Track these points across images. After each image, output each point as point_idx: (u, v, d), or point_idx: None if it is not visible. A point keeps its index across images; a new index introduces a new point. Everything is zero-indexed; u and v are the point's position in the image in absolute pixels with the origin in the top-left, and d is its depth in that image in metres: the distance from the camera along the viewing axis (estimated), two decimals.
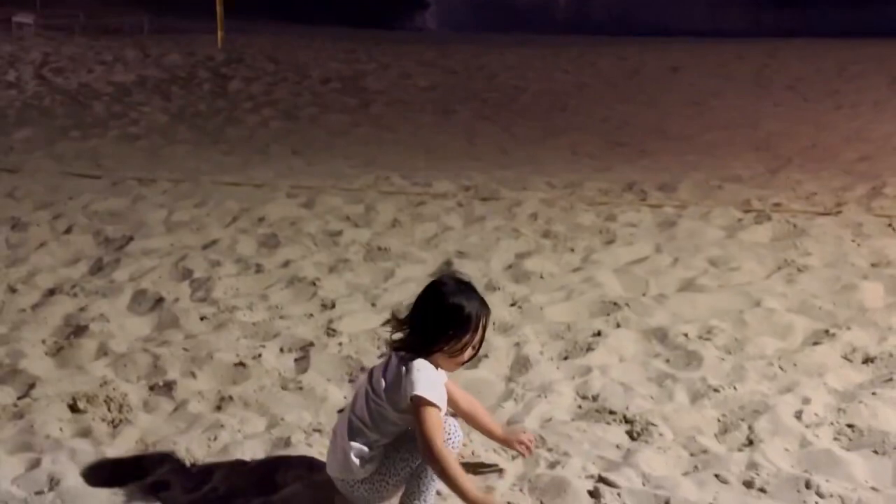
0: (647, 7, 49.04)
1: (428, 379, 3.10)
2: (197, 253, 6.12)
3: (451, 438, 3.25)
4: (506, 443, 3.60)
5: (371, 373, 3.31)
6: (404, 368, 3.12)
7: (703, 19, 40.38)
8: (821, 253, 6.12)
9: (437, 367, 3.19)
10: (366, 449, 3.17)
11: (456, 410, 3.49)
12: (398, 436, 3.20)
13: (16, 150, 9.53)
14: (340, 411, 4.07)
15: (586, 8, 50.03)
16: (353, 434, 3.20)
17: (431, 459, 3.05)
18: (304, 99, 12.96)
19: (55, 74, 14.71)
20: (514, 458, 3.66)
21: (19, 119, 11.25)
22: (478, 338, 3.22)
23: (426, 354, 3.16)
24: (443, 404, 3.12)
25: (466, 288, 3.24)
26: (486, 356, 4.44)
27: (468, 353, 3.23)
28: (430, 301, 3.21)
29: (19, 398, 4.21)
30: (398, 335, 3.25)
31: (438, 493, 3.27)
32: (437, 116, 11.86)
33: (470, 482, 3.11)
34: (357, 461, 3.17)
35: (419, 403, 3.05)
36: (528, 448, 3.59)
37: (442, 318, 3.16)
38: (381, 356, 4.59)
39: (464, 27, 38.81)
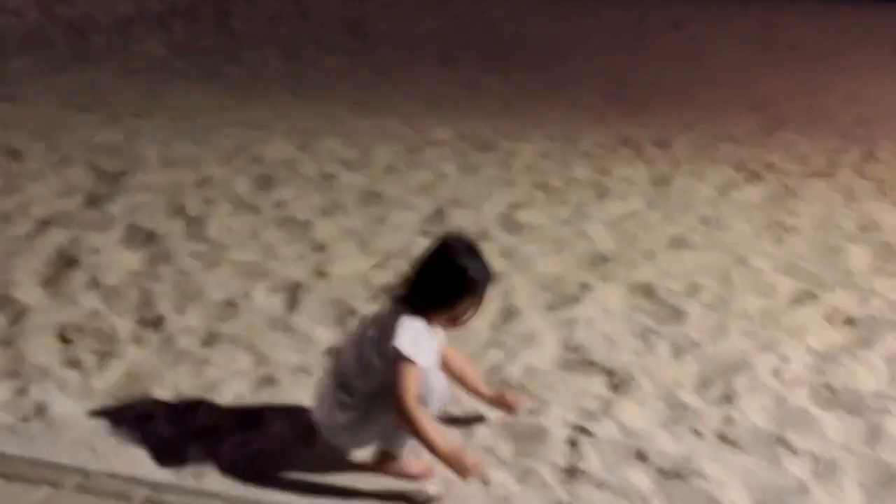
0: None
1: (414, 335, 3.09)
2: (191, 190, 6.11)
3: (432, 394, 3.21)
4: (494, 403, 3.60)
5: (363, 321, 3.32)
6: (398, 324, 3.10)
7: None
8: (810, 215, 6.13)
9: (433, 324, 3.18)
10: (348, 396, 3.19)
11: (445, 370, 3.42)
12: (381, 385, 3.19)
13: (13, 80, 9.44)
14: (327, 353, 4.11)
15: None
16: (339, 380, 3.22)
17: (400, 411, 3.03)
18: (305, 40, 12.82)
19: (56, 2, 14.53)
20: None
21: (18, 48, 11.13)
22: (478, 302, 3.22)
23: (425, 312, 3.15)
24: (425, 361, 3.11)
25: (474, 251, 3.23)
26: None
27: (467, 315, 3.23)
28: (436, 260, 3.19)
29: (10, 325, 4.24)
30: (399, 287, 3.24)
31: None
32: (437, 63, 11.74)
33: (440, 436, 3.11)
34: (339, 408, 3.20)
35: (397, 357, 3.05)
36: (514, 409, 3.60)
37: (446, 279, 3.15)
38: (370, 299, 4.62)
39: None
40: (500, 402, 3.61)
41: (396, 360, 3.05)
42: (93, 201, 5.88)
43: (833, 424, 3.67)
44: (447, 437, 3.25)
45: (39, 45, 11.46)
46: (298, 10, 15.27)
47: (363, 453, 3.31)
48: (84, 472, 3.22)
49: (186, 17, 14.11)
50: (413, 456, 3.24)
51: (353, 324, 4.34)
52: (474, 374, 3.65)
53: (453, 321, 3.23)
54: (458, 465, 3.08)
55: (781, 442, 3.52)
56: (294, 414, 3.60)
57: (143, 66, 10.54)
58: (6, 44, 11.36)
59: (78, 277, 4.74)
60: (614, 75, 11.31)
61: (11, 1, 14.47)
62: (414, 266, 3.26)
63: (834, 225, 5.96)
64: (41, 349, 4.02)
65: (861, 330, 4.50)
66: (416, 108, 9.00)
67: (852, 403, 3.82)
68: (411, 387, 3.05)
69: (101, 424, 3.51)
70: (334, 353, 3.36)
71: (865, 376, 4.05)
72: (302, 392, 3.75)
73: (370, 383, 3.18)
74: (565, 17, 16.39)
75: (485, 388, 3.63)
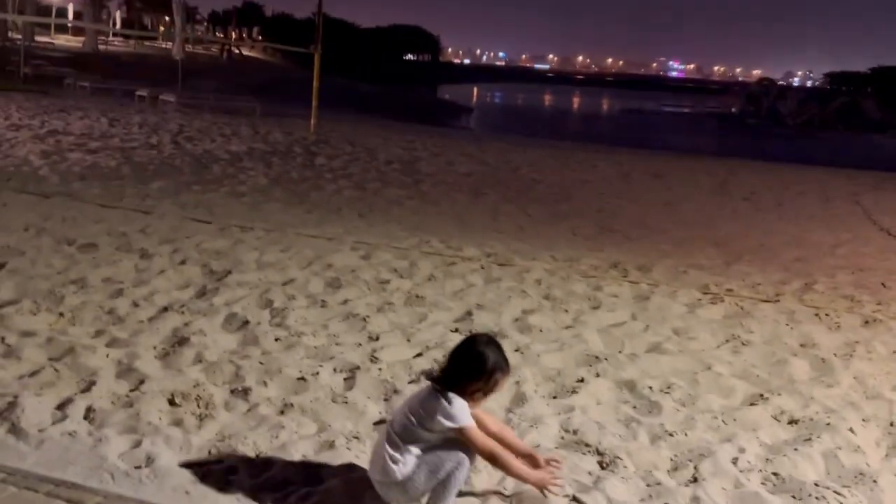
0: (639, 128, 49.35)
1: (456, 408, 3.10)
2: (278, 288, 6.11)
3: (461, 470, 3.16)
4: (531, 460, 3.38)
5: (409, 398, 3.30)
6: (442, 403, 3.11)
7: (681, 140, 40.59)
8: (761, 332, 6.01)
9: (462, 396, 3.16)
10: (399, 456, 3.13)
11: (486, 432, 3.29)
12: (427, 448, 3.15)
13: (151, 196, 9.64)
14: (376, 423, 4.03)
15: (593, 126, 50.46)
16: (392, 444, 3.16)
17: (493, 460, 3.14)
18: (371, 175, 13.04)
19: (186, 141, 14.94)
20: (503, 478, 3.58)
21: (156, 173, 11.40)
22: (490, 386, 3.18)
23: (455, 388, 3.14)
24: (472, 421, 3.15)
25: (494, 345, 3.22)
26: None
27: (479, 395, 3.19)
28: (463, 348, 3.23)
29: (131, 390, 4.20)
30: (435, 370, 3.28)
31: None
32: (470, 196, 11.87)
33: (524, 467, 3.23)
34: (392, 466, 3.13)
35: (463, 429, 3.10)
36: (553, 466, 3.42)
37: (467, 363, 3.15)
38: (411, 381, 4.56)
39: (497, 129, 39.22)
40: (532, 456, 3.39)
41: (464, 432, 3.10)
42: (203, 293, 5.90)
43: None
44: (529, 469, 3.29)
45: (172, 171, 11.72)
46: (368, 154, 15.58)
47: None
48: None
49: (283, 155, 14.43)
50: None
51: (398, 399, 4.30)
52: (511, 433, 3.55)
53: (472, 399, 3.18)
54: (537, 480, 3.24)
55: None
56: (348, 473, 3.52)
57: (248, 190, 10.73)
58: (148, 170, 11.64)
59: (186, 353, 4.72)
60: (607, 213, 11.35)
61: (154, 138, 14.93)
62: (448, 354, 3.28)
63: (780, 341, 5.82)
64: (154, 410, 3.97)
65: (802, 429, 4.34)
66: (452, 230, 9.05)
67: (796, 489, 3.66)
68: (482, 440, 3.13)
69: (196, 474, 3.44)
70: (388, 421, 3.30)
71: (806, 467, 3.89)
72: (353, 455, 3.67)
73: (415, 444, 3.14)
74: (570, 167, 16.60)
75: (523, 445, 3.48)
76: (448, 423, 3.06)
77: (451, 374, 3.16)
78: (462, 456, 3.14)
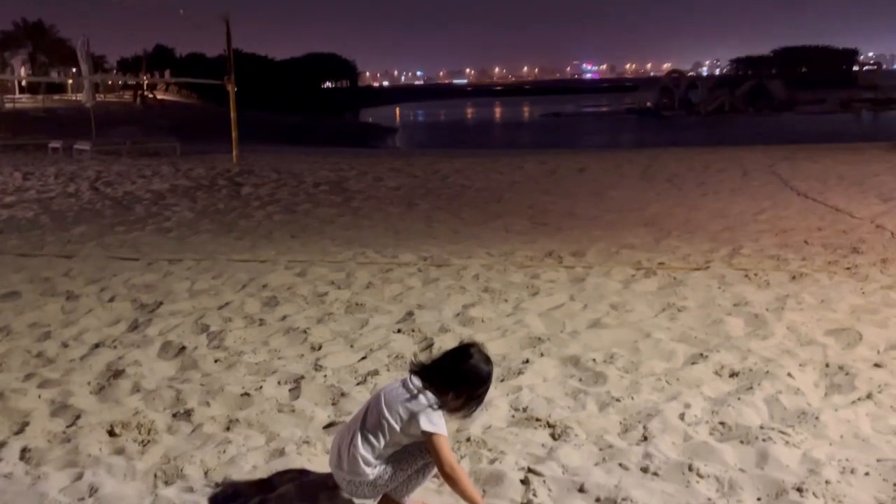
0: (562, 131, 50.30)
1: (437, 415, 3.01)
2: (213, 312, 5.99)
3: (430, 468, 3.12)
4: None
5: (382, 395, 3.11)
6: (420, 405, 3.00)
7: (602, 138, 41.52)
8: (695, 297, 6.15)
9: (443, 404, 3.06)
10: (371, 457, 3.05)
11: None
12: (401, 449, 3.08)
13: (73, 241, 9.34)
14: (326, 427, 3.97)
15: (516, 133, 51.21)
16: (365, 443, 3.05)
17: (450, 477, 2.98)
18: (300, 198, 12.93)
19: (105, 186, 14.57)
20: (461, 457, 3.59)
21: (76, 219, 11.07)
22: (478, 398, 3.11)
23: (437, 392, 3.04)
24: (445, 430, 3.04)
25: (486, 360, 3.14)
26: None
27: (466, 407, 3.10)
28: (456, 357, 3.11)
29: (68, 426, 4.05)
30: (420, 366, 3.14)
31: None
32: (402, 208, 11.87)
33: (475, 490, 3.07)
34: (365, 466, 3.05)
35: (433, 437, 2.98)
36: None
37: (462, 375, 3.06)
38: (358, 384, 4.51)
39: (423, 145, 39.43)
40: None
41: (433, 439, 2.98)
42: (135, 326, 5.74)
43: (730, 452, 3.60)
44: (478, 492, 3.14)
45: (93, 216, 11.41)
46: (294, 179, 15.44)
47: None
48: None
49: (208, 189, 14.20)
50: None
51: (347, 402, 4.25)
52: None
53: (456, 409, 3.10)
54: None
55: (691, 469, 3.42)
56: (300, 477, 3.46)
57: (174, 226, 10.50)
58: (67, 217, 11.31)
59: (123, 385, 4.57)
60: (537, 209, 11.49)
61: (72, 186, 14.51)
62: (437, 357, 3.18)
63: (713, 304, 5.97)
64: (94, 442, 3.83)
65: (743, 380, 4.46)
66: (387, 241, 9.03)
67: (742, 435, 3.75)
68: (448, 454, 2.99)
69: (144, 498, 3.33)
70: (357, 419, 3.15)
71: (751, 414, 3.99)
72: (305, 459, 3.60)
73: (390, 447, 3.06)
74: (498, 171, 16.76)
75: None
76: (426, 427, 2.98)
77: (438, 376, 3.06)
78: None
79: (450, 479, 2.99)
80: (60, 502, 3.30)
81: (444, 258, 7.80)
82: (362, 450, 3.05)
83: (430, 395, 3.03)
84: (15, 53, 71.64)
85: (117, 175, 16.22)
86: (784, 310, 5.74)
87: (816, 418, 3.91)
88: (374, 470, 3.06)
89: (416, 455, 3.06)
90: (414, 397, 3.03)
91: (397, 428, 3.03)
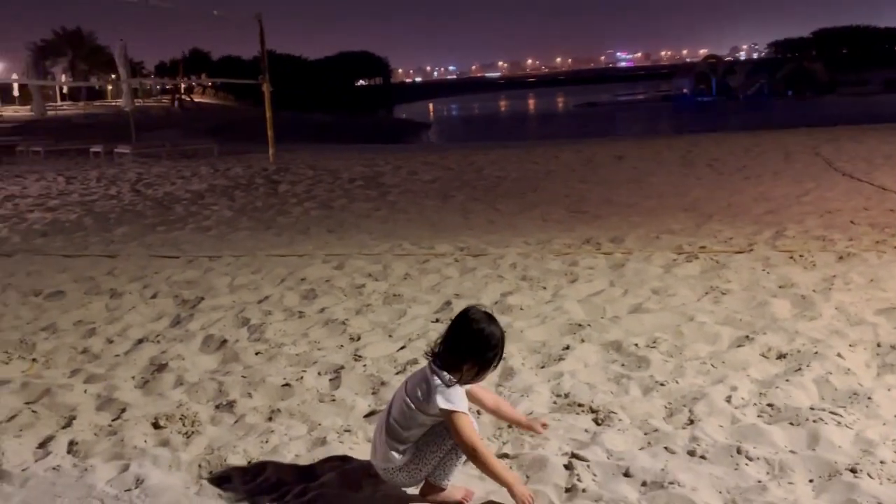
0: (598, 120, 49.85)
1: (454, 392, 2.98)
2: (253, 306, 6.04)
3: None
4: (529, 427, 3.53)
5: (406, 382, 3.16)
6: (434, 384, 2.98)
7: (639, 125, 41.06)
8: (738, 280, 6.03)
9: (460, 378, 3.03)
10: (399, 443, 3.06)
11: (483, 408, 3.42)
12: (427, 431, 3.07)
13: (115, 241, 9.51)
14: (367, 416, 3.98)
15: (551, 124, 50.89)
16: (391, 432, 3.08)
17: (473, 455, 2.95)
18: (336, 194, 12.99)
19: (146, 187, 14.80)
20: (504, 443, 3.55)
21: (118, 220, 11.26)
22: (496, 359, 3.07)
23: (453, 369, 3.02)
24: (466, 407, 3.00)
25: (490, 319, 3.09)
26: None
27: (486, 371, 3.08)
28: (460, 326, 3.06)
29: (113, 420, 4.11)
30: (433, 349, 3.11)
31: None
32: (438, 200, 11.85)
33: (504, 467, 3.04)
34: (394, 453, 3.06)
35: (451, 415, 2.95)
36: (545, 427, 3.57)
37: (468, 341, 3.01)
38: (398, 373, 4.50)
39: (458, 139, 39.38)
40: (536, 426, 3.54)
41: (451, 417, 2.95)
42: (177, 322, 5.80)
43: (779, 434, 3.50)
44: (510, 470, 3.13)
45: (135, 217, 11.59)
46: (330, 175, 15.53)
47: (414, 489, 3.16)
48: None
49: (246, 187, 14.35)
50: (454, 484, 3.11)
51: (387, 391, 4.24)
52: (508, 405, 3.58)
53: (475, 376, 3.07)
54: (519, 493, 2.99)
55: (740, 451, 3.34)
56: (342, 465, 3.45)
57: (214, 224, 10.62)
58: (110, 218, 11.50)
59: (166, 378, 4.63)
60: (574, 197, 11.39)
61: (113, 188, 14.77)
62: (443, 333, 3.12)
63: (758, 286, 5.85)
64: (139, 435, 3.87)
65: (791, 361, 4.35)
66: (423, 233, 9.02)
67: (792, 416, 3.66)
68: (468, 432, 2.96)
69: (189, 488, 3.35)
70: (386, 409, 3.18)
71: (800, 395, 3.89)
72: (346, 447, 3.60)
73: (414, 430, 3.06)
74: (533, 161, 16.67)
75: (521, 416, 3.58)
76: (443, 405, 2.97)
77: (449, 352, 3.03)
78: None
79: (471, 457, 2.96)
80: (108, 493, 3.33)
81: (480, 248, 7.76)
82: (390, 437, 3.07)
83: (445, 374, 3.01)
84: (55, 62, 73.18)
85: (157, 177, 16.47)
86: (832, 290, 5.59)
87: (869, 398, 3.79)
88: (403, 456, 3.07)
89: (444, 436, 3.04)
90: (430, 378, 3.03)
91: (417, 410, 3.03)
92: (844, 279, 5.86)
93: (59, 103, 55.67)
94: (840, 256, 6.57)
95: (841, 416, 3.62)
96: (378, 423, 3.22)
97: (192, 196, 13.40)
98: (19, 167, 20.08)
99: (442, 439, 3.05)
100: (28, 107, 48.84)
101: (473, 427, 3.02)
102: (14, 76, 55.50)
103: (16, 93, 56.04)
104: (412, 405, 3.04)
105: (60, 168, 19.18)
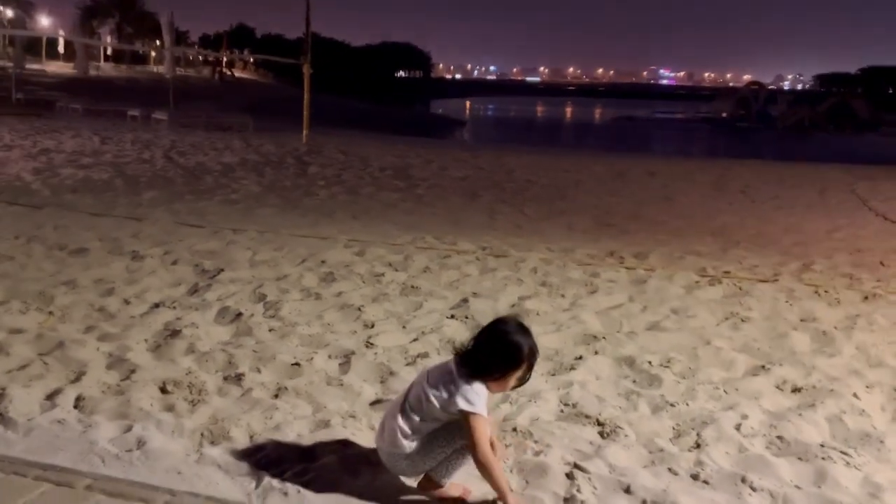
0: (632, 134, 49.59)
1: (477, 395, 2.95)
2: (271, 283, 6.06)
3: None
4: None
5: (429, 373, 3.12)
6: (459, 384, 2.96)
7: (674, 144, 40.76)
8: (760, 309, 5.95)
9: (487, 386, 3.00)
10: (410, 430, 3.04)
11: None
12: (440, 426, 3.05)
13: (143, 205, 9.60)
14: (372, 403, 3.96)
15: (586, 132, 50.69)
16: (405, 417, 3.05)
17: (479, 461, 2.92)
18: (364, 181, 13.01)
19: (179, 155, 14.92)
20: (507, 445, 3.53)
21: (148, 184, 11.37)
22: (525, 373, 3.04)
23: (480, 376, 2.99)
24: (485, 412, 2.98)
25: (524, 330, 3.05)
26: None
27: (513, 383, 3.05)
28: (493, 334, 3.02)
29: (122, 380, 4.13)
30: (462, 349, 3.06)
31: None
32: (465, 198, 11.83)
33: (506, 480, 3.00)
34: (403, 439, 3.04)
35: (469, 417, 2.92)
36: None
37: (499, 352, 2.98)
38: (407, 364, 4.49)
39: (491, 140, 39.31)
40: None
41: (466, 417, 2.93)
42: (195, 290, 5.84)
43: (786, 468, 3.44)
44: (508, 484, 3.06)
45: (164, 183, 11.69)
46: (361, 162, 15.56)
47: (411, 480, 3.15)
48: (171, 492, 3.07)
49: (276, 165, 14.42)
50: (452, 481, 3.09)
51: (395, 381, 4.23)
52: (500, 448, 3.35)
53: (502, 386, 3.05)
54: None
55: (744, 481, 3.29)
56: (343, 449, 3.44)
57: (241, 198, 10.69)
58: (140, 182, 11.61)
59: (178, 345, 4.65)
60: (602, 209, 11.32)
61: (147, 153, 14.91)
62: (475, 337, 3.07)
63: (779, 317, 5.76)
64: (145, 397, 3.90)
65: (805, 396, 4.28)
66: (447, 228, 9.00)
67: (801, 452, 3.59)
68: (486, 437, 2.94)
69: (189, 455, 3.36)
70: (403, 393, 3.16)
71: (811, 431, 3.82)
72: (349, 433, 3.59)
73: (430, 423, 3.05)
74: (565, 169, 16.60)
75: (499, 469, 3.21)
76: (463, 406, 2.94)
77: (477, 356, 3.00)
78: None
79: (480, 463, 2.94)
80: (108, 451, 3.35)
81: (503, 249, 7.73)
82: (402, 422, 3.05)
83: (471, 378, 2.98)
84: (102, 23, 74.05)
85: (191, 146, 16.59)
86: (854, 329, 5.50)
87: (881, 442, 3.72)
88: (411, 444, 3.05)
89: (456, 435, 3.02)
90: (456, 378, 2.99)
91: (437, 405, 3.00)
92: (868, 319, 5.76)
93: (101, 64, 56.24)
94: (866, 296, 6.46)
95: (851, 456, 3.55)
96: (390, 406, 3.20)
97: (223, 168, 13.48)
98: (57, 123, 20.33)
99: (453, 437, 3.03)
100: (72, 64, 49.47)
101: (487, 432, 2.98)
102: (61, 32, 56.22)
103: (61, 49, 56.71)
104: (433, 399, 3.01)
105: (97, 128, 19.39)
